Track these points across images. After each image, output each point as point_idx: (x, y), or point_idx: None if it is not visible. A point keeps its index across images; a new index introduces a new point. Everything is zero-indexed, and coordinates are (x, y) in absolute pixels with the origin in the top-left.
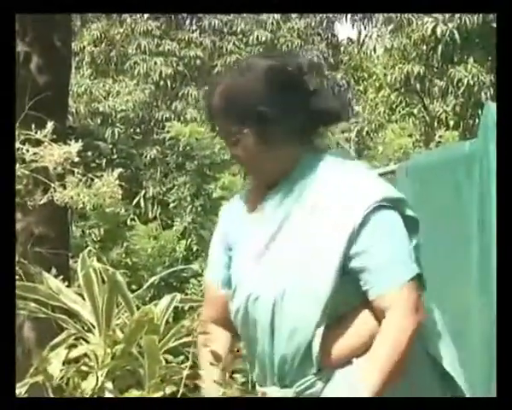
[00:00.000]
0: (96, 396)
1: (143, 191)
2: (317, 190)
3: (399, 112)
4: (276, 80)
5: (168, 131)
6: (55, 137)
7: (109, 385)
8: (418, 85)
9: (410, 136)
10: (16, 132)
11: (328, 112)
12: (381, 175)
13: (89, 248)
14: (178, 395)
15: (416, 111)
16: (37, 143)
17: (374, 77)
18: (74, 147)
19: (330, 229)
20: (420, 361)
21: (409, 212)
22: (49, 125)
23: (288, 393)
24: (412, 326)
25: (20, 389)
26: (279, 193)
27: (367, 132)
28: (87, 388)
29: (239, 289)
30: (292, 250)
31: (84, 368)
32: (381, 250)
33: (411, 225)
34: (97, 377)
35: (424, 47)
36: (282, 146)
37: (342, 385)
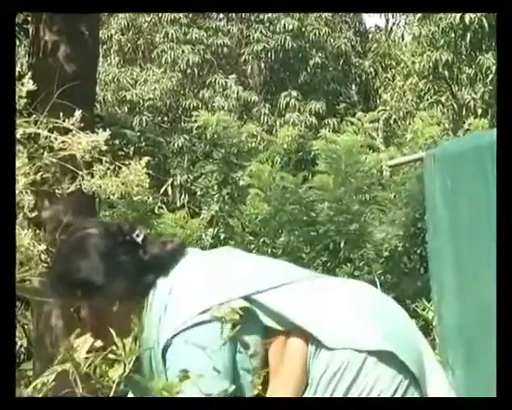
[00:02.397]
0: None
1: (171, 180)
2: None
3: (427, 100)
4: (94, 248)
5: (195, 121)
6: (82, 125)
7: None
8: (446, 73)
9: (439, 124)
10: (44, 120)
11: (159, 257)
12: (409, 162)
13: None
14: None
15: (444, 99)
16: (65, 131)
17: (402, 64)
18: (102, 135)
19: None
20: None
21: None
22: (77, 113)
23: None
24: None
25: (48, 377)
26: None
27: (395, 120)
28: (114, 375)
29: None
30: None
31: (111, 356)
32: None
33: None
34: (124, 365)
35: (452, 34)
36: (119, 307)
37: None
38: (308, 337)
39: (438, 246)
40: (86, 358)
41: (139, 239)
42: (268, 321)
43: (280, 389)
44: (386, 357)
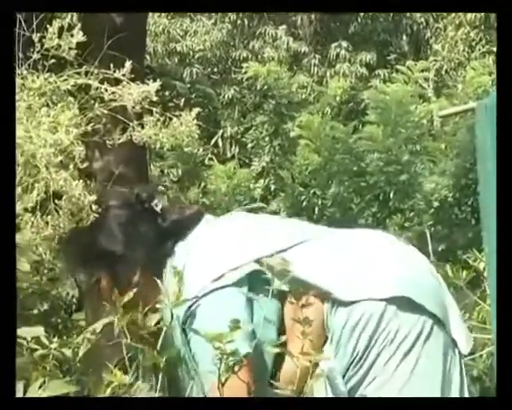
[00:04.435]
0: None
1: (221, 131)
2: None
3: (479, 50)
4: (114, 218)
5: (246, 72)
6: (133, 76)
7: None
8: None
9: (490, 74)
10: (95, 71)
11: (178, 223)
12: (460, 113)
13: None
14: None
15: (495, 49)
16: (116, 82)
17: (453, 14)
18: (153, 86)
19: None
20: (445, 347)
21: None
22: (128, 64)
23: None
24: None
25: (95, 326)
26: None
27: (446, 71)
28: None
29: None
30: None
31: (158, 306)
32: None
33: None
34: (172, 314)
35: None
36: (140, 276)
37: None
38: (323, 295)
39: (489, 196)
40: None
41: (158, 208)
42: (279, 284)
43: (296, 351)
44: (406, 303)
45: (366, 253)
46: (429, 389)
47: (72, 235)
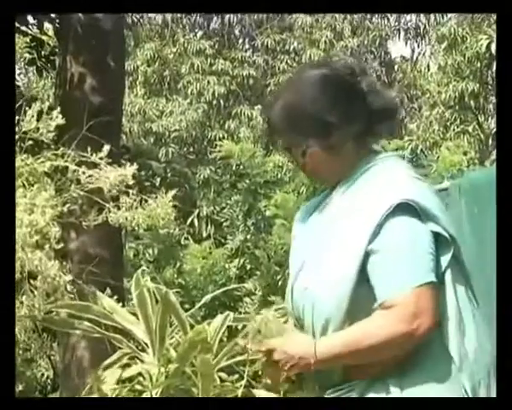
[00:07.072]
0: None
1: (197, 211)
2: (363, 193)
3: (454, 130)
4: (332, 88)
5: (219, 151)
6: (109, 159)
7: None
8: (472, 103)
9: (465, 154)
10: (72, 153)
11: (384, 108)
12: None
13: (143, 267)
14: None
15: (470, 129)
16: (93, 164)
17: (428, 95)
18: (130, 170)
19: (359, 225)
20: (436, 356)
21: (437, 228)
22: (106, 148)
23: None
24: (400, 332)
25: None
26: (333, 195)
27: (421, 150)
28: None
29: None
30: (326, 248)
31: (137, 387)
32: (392, 254)
33: (441, 242)
34: (151, 396)
35: (478, 64)
36: (343, 151)
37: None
38: None
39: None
40: (113, 389)
41: (364, 85)
42: None
43: None
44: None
45: None
46: None
47: (285, 95)
